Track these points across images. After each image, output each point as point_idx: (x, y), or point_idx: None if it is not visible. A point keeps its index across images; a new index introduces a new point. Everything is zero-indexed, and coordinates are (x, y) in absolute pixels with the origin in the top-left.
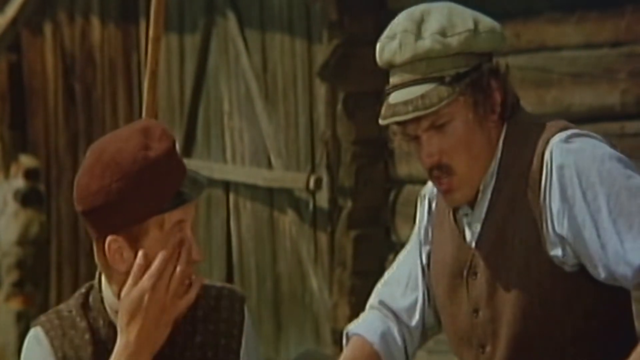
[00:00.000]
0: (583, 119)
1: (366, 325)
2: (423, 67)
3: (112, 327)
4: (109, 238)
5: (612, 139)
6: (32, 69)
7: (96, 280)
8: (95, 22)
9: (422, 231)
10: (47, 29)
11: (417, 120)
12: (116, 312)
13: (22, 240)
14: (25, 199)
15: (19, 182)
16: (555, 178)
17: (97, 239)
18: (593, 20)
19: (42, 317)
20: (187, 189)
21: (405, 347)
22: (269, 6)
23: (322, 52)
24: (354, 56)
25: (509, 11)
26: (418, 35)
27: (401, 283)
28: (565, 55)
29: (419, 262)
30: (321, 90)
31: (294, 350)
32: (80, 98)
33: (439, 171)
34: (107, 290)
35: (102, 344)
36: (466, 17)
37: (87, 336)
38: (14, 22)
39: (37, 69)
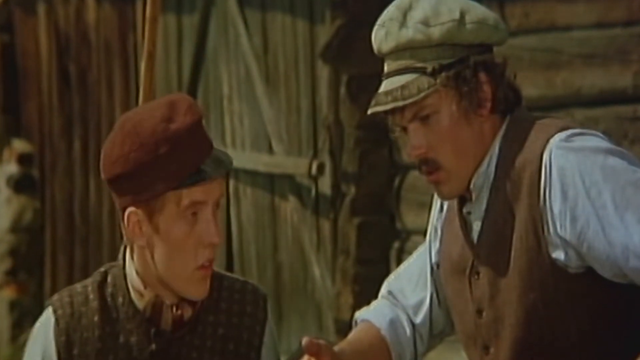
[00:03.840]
0: (594, 102)
1: (375, 312)
2: (407, 56)
3: (132, 307)
4: (128, 210)
5: (624, 123)
6: (25, 50)
7: (120, 258)
8: (90, 1)
9: (433, 228)
10: (41, 8)
11: (401, 111)
12: (137, 292)
13: (15, 227)
14: (19, 185)
15: (12, 168)
16: (556, 179)
17: (121, 209)
18: None
19: (56, 296)
20: (209, 167)
21: (414, 340)
22: None
23: (324, 33)
24: (358, 37)
25: None
26: (403, 23)
27: (412, 279)
28: (576, 35)
29: (428, 260)
30: (324, 72)
31: (296, 340)
32: (75, 80)
33: (426, 165)
34: (130, 269)
35: (112, 325)
36: (453, 7)
37: (96, 318)
38: (6, 1)
39: (31, 50)
